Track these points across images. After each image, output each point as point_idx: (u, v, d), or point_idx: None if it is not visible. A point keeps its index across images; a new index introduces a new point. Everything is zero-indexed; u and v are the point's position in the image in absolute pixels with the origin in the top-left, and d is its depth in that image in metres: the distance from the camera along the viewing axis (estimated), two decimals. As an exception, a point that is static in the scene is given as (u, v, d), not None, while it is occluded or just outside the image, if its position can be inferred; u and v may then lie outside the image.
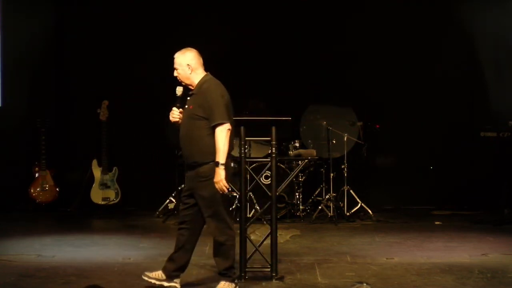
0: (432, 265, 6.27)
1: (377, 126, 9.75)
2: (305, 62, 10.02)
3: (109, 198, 9.79)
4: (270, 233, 5.85)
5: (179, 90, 5.50)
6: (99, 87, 10.02)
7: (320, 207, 8.98)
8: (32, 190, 9.80)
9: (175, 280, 5.50)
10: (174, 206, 9.22)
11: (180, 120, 5.47)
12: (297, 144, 9.09)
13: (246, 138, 5.80)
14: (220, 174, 5.20)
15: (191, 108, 5.38)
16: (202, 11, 9.97)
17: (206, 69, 5.53)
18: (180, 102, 5.49)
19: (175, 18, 10.02)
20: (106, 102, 9.79)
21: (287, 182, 6.48)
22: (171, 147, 9.16)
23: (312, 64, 10.05)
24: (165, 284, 5.46)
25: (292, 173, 7.22)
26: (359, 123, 9.55)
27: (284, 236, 7.80)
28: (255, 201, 8.47)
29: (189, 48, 5.47)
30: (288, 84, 9.93)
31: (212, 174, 5.25)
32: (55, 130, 10.00)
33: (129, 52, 9.89)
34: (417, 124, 10.06)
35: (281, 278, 5.76)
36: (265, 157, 8.13)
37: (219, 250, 5.38)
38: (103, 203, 9.79)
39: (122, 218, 9.28)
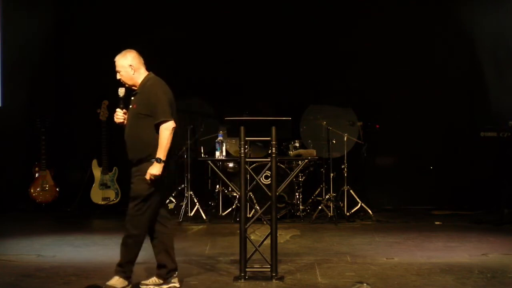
0: (432, 265, 6.26)
1: (377, 126, 9.75)
2: (305, 62, 10.02)
3: (109, 198, 9.79)
4: (270, 233, 5.84)
5: (121, 91, 5.53)
6: (99, 87, 10.01)
7: (320, 207, 8.98)
8: (32, 190, 9.81)
9: (172, 281, 5.50)
10: (174, 206, 9.22)
11: (125, 121, 5.49)
12: (297, 144, 9.08)
13: (246, 138, 5.80)
14: (157, 169, 5.19)
15: (135, 108, 5.40)
16: (202, 11, 9.97)
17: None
18: (123, 103, 5.51)
19: (175, 17, 10.02)
20: (106, 102, 9.79)
21: (287, 182, 6.46)
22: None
23: (312, 64, 10.05)
24: (165, 286, 5.46)
25: (292, 173, 7.20)
26: (359, 123, 9.55)
27: (284, 236, 7.80)
28: (255, 201, 8.47)
29: (129, 50, 5.51)
30: (288, 84, 9.93)
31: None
32: (55, 130, 10.00)
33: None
34: (417, 124, 10.06)
35: (281, 278, 5.76)
36: (265, 157, 8.12)
37: (123, 243, 5.38)
38: (103, 203, 9.80)
39: (122, 218, 9.20)
